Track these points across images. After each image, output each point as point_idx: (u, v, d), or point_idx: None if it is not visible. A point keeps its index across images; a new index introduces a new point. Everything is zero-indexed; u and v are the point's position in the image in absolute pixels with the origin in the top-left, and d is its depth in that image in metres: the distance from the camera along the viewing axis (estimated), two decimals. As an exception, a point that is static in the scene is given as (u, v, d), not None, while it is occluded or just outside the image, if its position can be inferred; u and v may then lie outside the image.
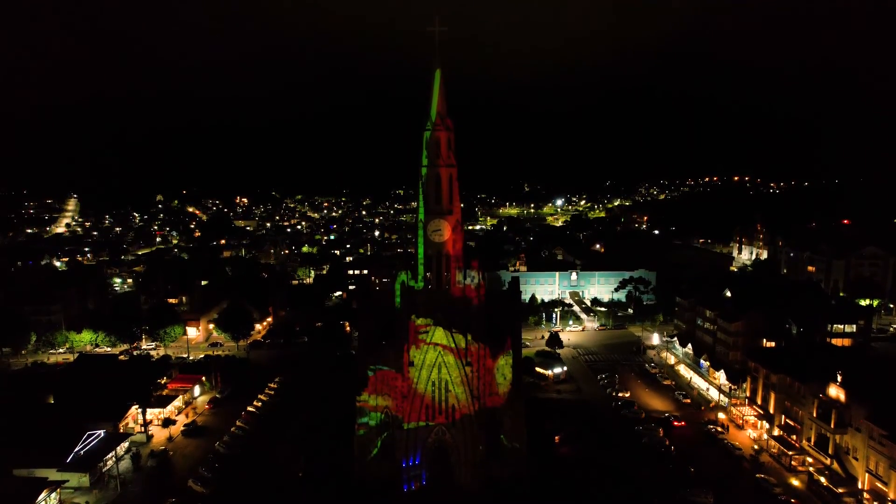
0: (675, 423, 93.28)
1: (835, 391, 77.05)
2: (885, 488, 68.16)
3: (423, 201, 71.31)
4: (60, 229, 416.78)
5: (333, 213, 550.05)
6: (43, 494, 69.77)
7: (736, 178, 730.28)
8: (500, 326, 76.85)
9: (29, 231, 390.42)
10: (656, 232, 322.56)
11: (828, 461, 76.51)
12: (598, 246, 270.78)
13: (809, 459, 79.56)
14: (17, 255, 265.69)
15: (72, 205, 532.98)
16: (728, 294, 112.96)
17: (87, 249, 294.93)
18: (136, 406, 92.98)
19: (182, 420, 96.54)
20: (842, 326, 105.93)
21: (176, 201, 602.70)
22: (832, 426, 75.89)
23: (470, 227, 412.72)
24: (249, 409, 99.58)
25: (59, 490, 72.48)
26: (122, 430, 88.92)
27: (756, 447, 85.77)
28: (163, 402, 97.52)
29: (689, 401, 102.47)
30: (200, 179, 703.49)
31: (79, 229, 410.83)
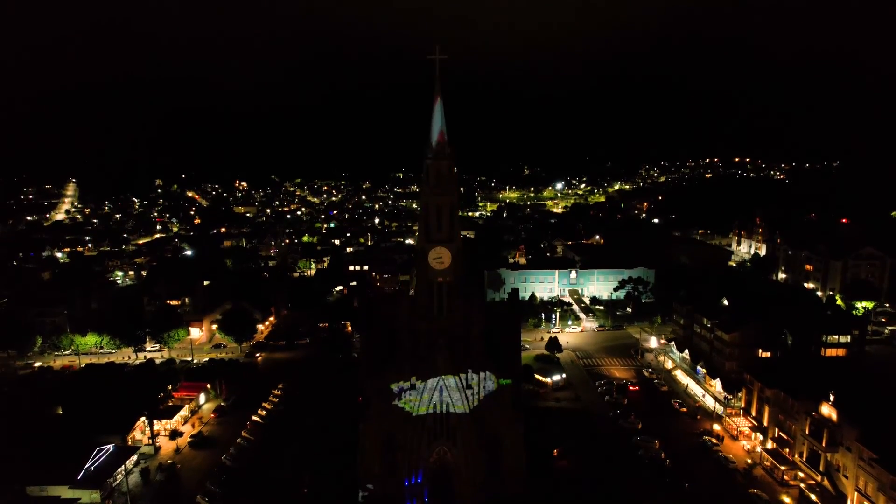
0: (631, 388, 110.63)
1: (827, 410, 78.81)
2: (873, 508, 70.31)
3: (424, 229, 72.11)
4: (60, 216, 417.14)
5: (333, 198, 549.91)
6: (56, 514, 71.97)
7: (737, 160, 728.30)
8: (499, 344, 78.38)
9: (29, 218, 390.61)
10: (656, 221, 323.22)
11: (819, 478, 78.63)
12: (597, 237, 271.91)
13: (801, 474, 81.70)
14: (18, 246, 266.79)
15: (71, 190, 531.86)
16: (725, 302, 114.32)
17: (87, 239, 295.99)
18: (144, 418, 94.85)
19: (188, 430, 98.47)
20: (836, 337, 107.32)
21: (175, 186, 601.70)
22: (824, 444, 77.81)
23: (469, 214, 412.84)
24: (254, 418, 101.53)
25: (71, 508, 74.64)
26: (130, 443, 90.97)
27: (749, 461, 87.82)
28: (169, 413, 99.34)
29: (685, 409, 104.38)
30: (199, 163, 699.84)
31: (79, 216, 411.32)
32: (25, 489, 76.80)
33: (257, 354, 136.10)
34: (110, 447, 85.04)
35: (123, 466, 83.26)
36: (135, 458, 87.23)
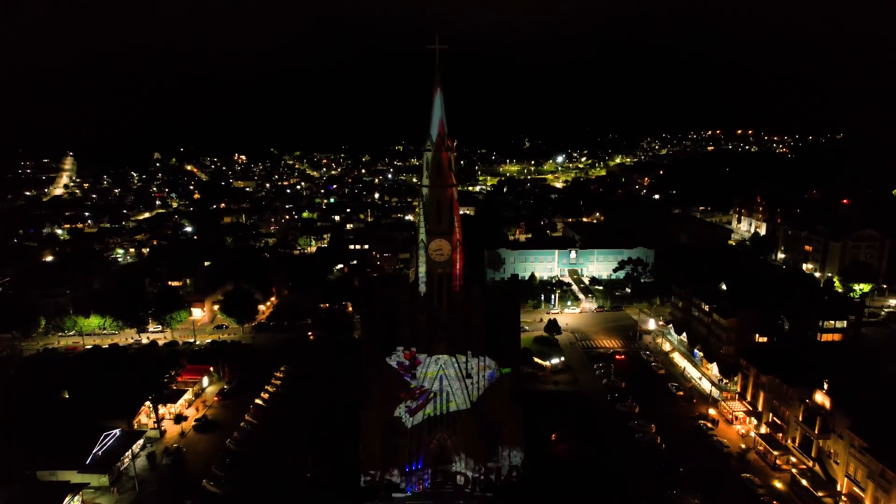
0: (617, 357, 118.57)
1: (820, 398, 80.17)
2: (862, 494, 72.00)
3: (425, 221, 72.19)
4: (59, 191, 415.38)
5: (332, 171, 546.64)
6: (67, 499, 73.74)
7: (739, 132, 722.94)
8: (498, 330, 79.18)
9: (27, 193, 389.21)
10: (656, 197, 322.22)
11: (810, 463, 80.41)
12: (597, 214, 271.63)
13: (793, 459, 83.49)
14: (18, 222, 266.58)
15: (68, 164, 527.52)
16: (723, 286, 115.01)
17: (87, 215, 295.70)
18: (149, 402, 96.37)
19: (193, 414, 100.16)
20: (833, 322, 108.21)
21: (174, 159, 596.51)
22: (816, 431, 79.36)
23: (469, 188, 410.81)
24: (257, 401, 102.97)
25: (81, 493, 76.45)
26: (135, 427, 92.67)
27: (743, 445, 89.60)
28: (174, 397, 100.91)
29: (682, 393, 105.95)
30: (197, 136, 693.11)
31: (77, 191, 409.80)
32: (36, 474, 78.54)
33: (308, 333, 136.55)
34: (117, 432, 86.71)
35: (130, 451, 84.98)
36: (141, 442, 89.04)
